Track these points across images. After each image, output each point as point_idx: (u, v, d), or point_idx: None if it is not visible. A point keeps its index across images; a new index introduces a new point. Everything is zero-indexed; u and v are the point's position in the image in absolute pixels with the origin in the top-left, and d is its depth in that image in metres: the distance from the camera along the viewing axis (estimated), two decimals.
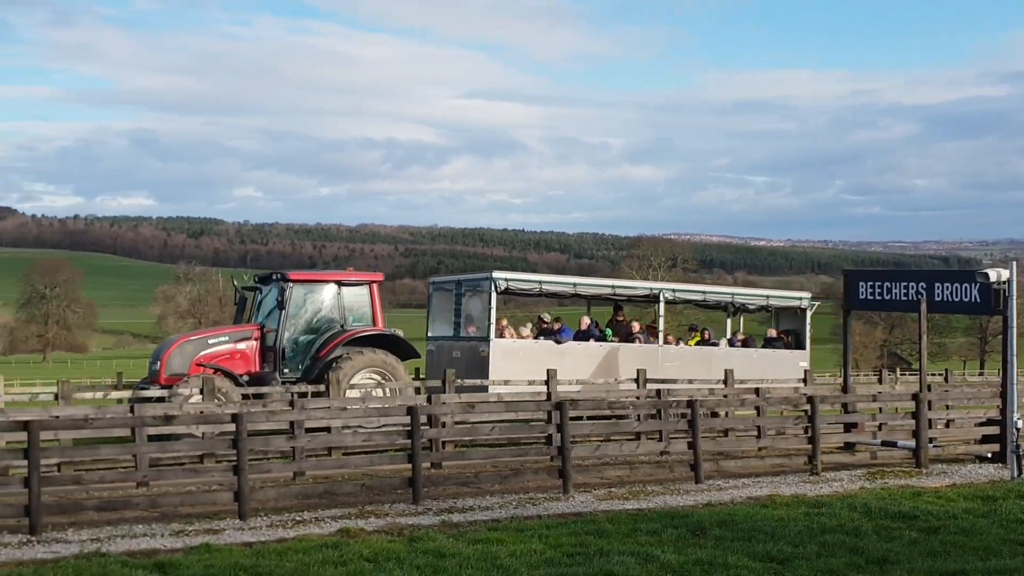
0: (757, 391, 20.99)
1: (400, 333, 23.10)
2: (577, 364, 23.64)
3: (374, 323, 22.58)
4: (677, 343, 26.55)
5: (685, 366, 24.98)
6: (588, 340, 24.82)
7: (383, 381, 21.65)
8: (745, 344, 27.04)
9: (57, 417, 15.96)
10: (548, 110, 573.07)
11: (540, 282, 25.40)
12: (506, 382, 22.11)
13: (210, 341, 21.48)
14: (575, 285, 26.23)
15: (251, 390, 20.11)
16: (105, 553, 11.14)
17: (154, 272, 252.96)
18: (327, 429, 17.83)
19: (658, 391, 21.76)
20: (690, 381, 23.33)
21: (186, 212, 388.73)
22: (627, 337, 25.37)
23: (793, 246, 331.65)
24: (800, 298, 28.49)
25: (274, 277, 22.57)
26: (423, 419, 15.82)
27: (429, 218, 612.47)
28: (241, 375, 21.12)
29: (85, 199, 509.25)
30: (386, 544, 11.65)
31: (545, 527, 12.74)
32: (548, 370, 21.23)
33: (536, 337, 24.47)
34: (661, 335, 25.66)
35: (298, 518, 13.47)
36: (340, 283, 22.42)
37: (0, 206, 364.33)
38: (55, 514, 12.73)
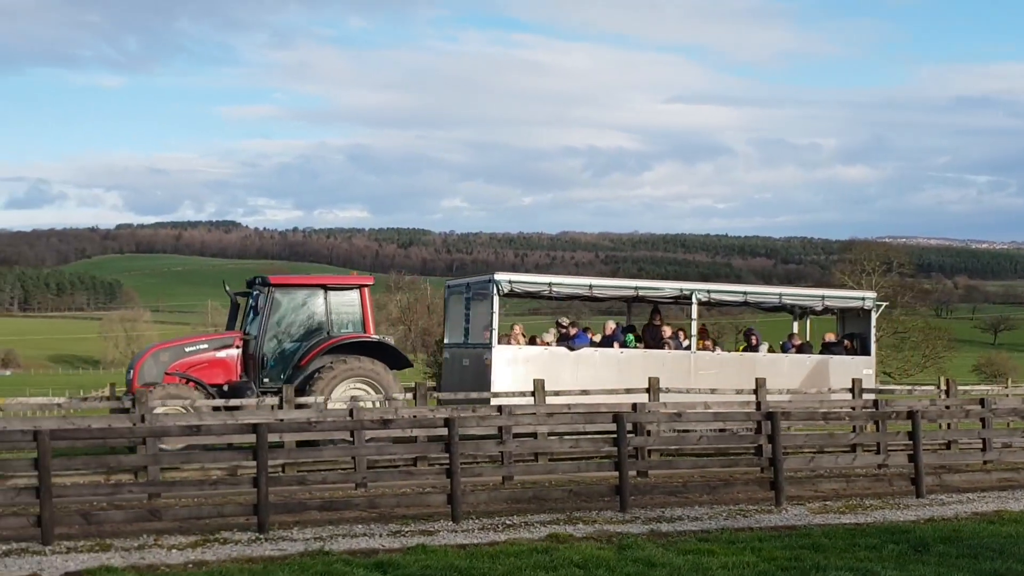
0: (982, 402, 19.83)
1: (390, 340, 21.86)
2: (595, 373, 21.64)
3: (365, 330, 21.14)
4: (715, 349, 24.30)
5: (723, 375, 22.55)
6: (612, 346, 22.80)
7: (369, 392, 20.23)
8: (800, 350, 24.31)
9: (281, 420, 16.77)
10: (753, 112, 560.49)
11: (550, 284, 23.33)
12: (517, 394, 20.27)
13: (187, 349, 20.54)
14: (591, 287, 23.65)
15: (220, 402, 19.01)
16: (328, 552, 11.65)
17: None
18: (533, 435, 18.07)
19: (875, 401, 20.97)
20: (712, 391, 20.99)
21: (396, 223, 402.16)
22: (657, 343, 23.27)
23: (1019, 248, 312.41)
24: (864, 298, 25.51)
25: (256, 282, 21.57)
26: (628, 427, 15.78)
27: (630, 225, 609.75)
28: (220, 384, 20.13)
29: (304, 212, 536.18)
30: (596, 551, 11.69)
31: (757, 539, 12.48)
32: (757, 379, 20.73)
33: (557, 343, 22.64)
34: (694, 340, 23.31)
35: (508, 522, 13.69)
36: (326, 288, 21.20)
37: (226, 220, 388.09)
38: (281, 513, 13.39)
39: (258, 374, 20.56)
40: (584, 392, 20.15)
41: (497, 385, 21.15)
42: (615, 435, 15.11)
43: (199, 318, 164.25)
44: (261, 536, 12.62)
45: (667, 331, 23.67)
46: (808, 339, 25.21)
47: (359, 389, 20.23)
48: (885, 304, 26.38)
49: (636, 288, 24.17)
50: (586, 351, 22.34)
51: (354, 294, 21.48)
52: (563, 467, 16.41)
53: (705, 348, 23.73)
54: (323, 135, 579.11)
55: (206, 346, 20.82)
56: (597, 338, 23.11)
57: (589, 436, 18.30)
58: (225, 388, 20.21)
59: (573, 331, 22.91)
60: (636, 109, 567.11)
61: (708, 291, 24.16)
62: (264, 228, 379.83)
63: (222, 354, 20.64)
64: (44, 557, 11.44)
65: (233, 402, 18.66)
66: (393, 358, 21.10)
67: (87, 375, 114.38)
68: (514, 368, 21.54)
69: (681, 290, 23.91)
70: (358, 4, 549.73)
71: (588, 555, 11.39)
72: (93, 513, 12.98)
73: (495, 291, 21.99)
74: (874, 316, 25.02)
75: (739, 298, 25.58)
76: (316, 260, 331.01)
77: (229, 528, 13.00)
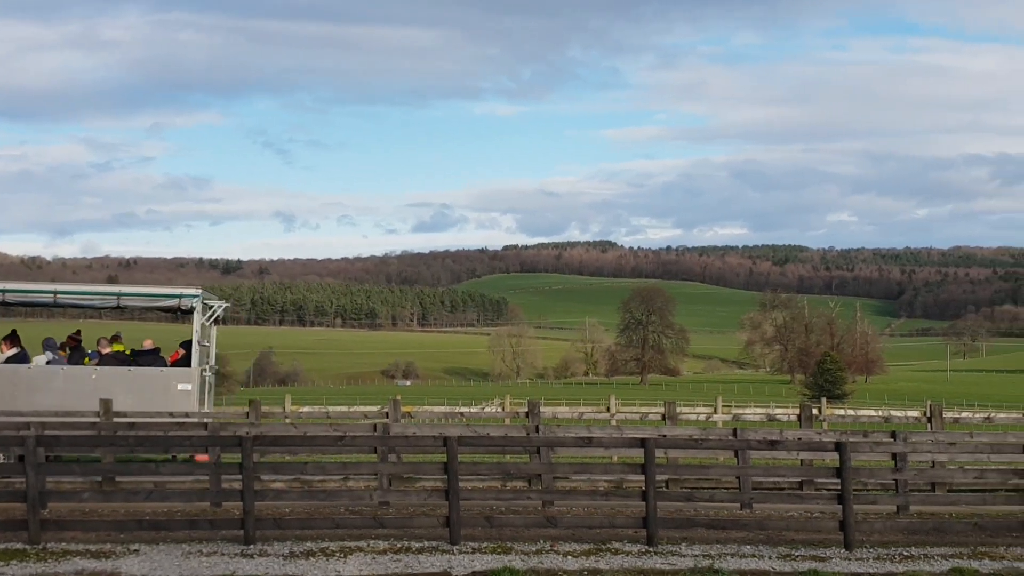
0: None
1: None
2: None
3: None
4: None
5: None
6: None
7: None
8: (109, 360, 19.41)
9: (665, 436, 16.98)
10: None
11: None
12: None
13: None
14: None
15: None
16: (718, 570, 11.65)
17: (740, 299, 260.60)
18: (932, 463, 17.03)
19: None
20: None
21: (774, 240, 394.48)
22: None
23: None
24: (179, 295, 20.44)
25: None
26: None
27: None
28: None
29: (683, 231, 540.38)
30: None
31: None
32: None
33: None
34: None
35: (905, 553, 13.00)
36: None
37: (601, 240, 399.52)
38: (669, 528, 13.55)
39: None
40: None
41: None
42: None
43: (578, 334, 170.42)
44: (651, 549, 12.85)
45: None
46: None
47: None
48: (224, 304, 21.02)
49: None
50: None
51: None
52: (965, 498, 15.29)
53: None
54: (706, 153, 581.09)
55: None
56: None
57: (997, 468, 16.95)
58: None
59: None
60: None
61: (3, 291, 19.98)
62: (639, 247, 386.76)
63: None
64: (452, 556, 12.33)
65: None
66: None
67: (478, 386, 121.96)
68: None
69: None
70: (747, 20, 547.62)
71: None
72: (495, 517, 13.79)
73: None
74: (200, 317, 20.01)
75: (49, 299, 20.67)
76: (689, 278, 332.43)
77: (619, 539, 13.35)
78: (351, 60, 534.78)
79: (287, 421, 19.29)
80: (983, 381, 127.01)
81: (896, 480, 15.39)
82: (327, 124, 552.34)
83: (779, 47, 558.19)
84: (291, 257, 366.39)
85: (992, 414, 24.95)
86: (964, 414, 24.50)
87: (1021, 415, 22.65)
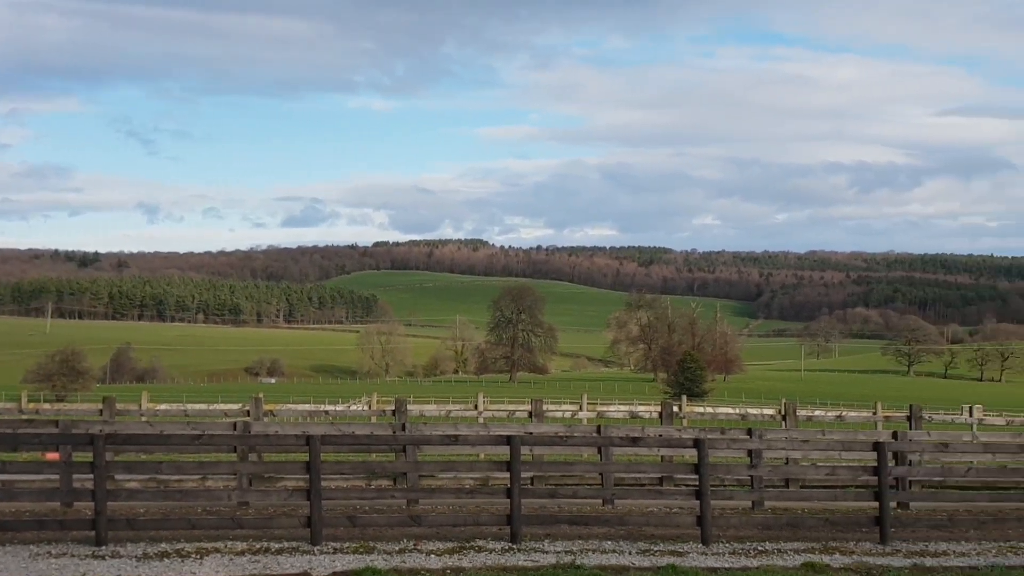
0: None
1: None
2: None
3: None
4: None
5: None
6: None
7: None
8: None
9: (531, 433, 17.08)
10: None
11: None
12: None
13: None
14: None
15: None
16: (580, 565, 11.77)
17: (608, 299, 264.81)
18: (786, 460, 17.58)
19: None
20: None
21: (641, 242, 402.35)
22: None
23: None
24: None
25: None
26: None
27: (887, 244, 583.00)
28: None
29: (555, 231, 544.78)
30: None
31: None
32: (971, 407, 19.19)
33: None
34: None
35: (760, 548, 13.37)
36: None
37: (473, 238, 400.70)
38: (533, 525, 13.62)
39: None
40: None
41: None
42: (875, 464, 14.46)
43: (449, 332, 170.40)
44: (514, 546, 12.89)
45: None
46: None
47: None
48: None
49: None
50: None
51: None
52: (816, 495, 15.82)
53: None
54: (579, 154, 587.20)
55: None
56: None
57: (848, 465, 17.60)
58: None
59: None
60: (909, 123, 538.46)
61: None
62: (510, 246, 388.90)
63: None
64: (313, 556, 12.13)
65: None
66: None
67: (345, 384, 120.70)
68: None
69: None
70: (619, 24, 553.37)
71: None
72: (358, 516, 13.63)
73: None
74: None
75: None
76: (559, 278, 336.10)
77: (484, 537, 13.35)
78: (221, 49, 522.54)
79: (143, 419, 18.70)
80: (836, 380, 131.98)
81: (752, 476, 15.81)
82: (195, 114, 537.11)
83: (650, 52, 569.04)
84: (152, 250, 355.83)
85: (844, 412, 25.95)
86: (817, 412, 25.43)
87: (871, 414, 23.59)
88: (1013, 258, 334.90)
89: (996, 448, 17.58)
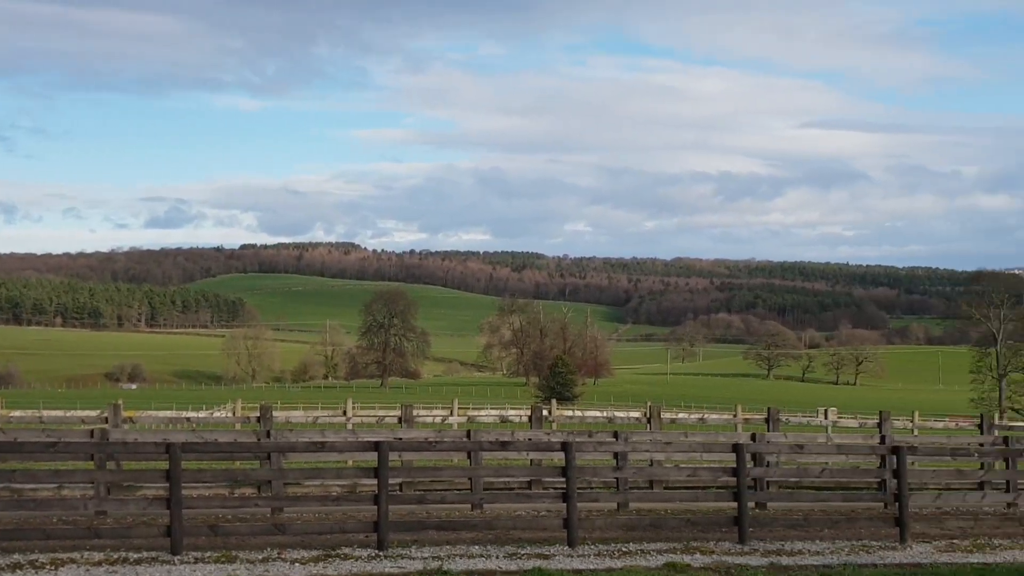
0: None
1: None
2: None
3: None
4: None
5: None
6: None
7: None
8: None
9: (400, 439, 17.02)
10: (893, 138, 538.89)
11: None
12: None
13: None
14: None
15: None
16: (447, 571, 11.78)
17: (481, 304, 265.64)
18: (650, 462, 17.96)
19: (1005, 438, 20.22)
20: None
21: (514, 247, 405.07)
22: None
23: None
24: None
25: None
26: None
27: (750, 252, 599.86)
28: None
29: (429, 235, 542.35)
30: None
31: None
32: (880, 412, 20.21)
33: None
34: None
35: (624, 549, 13.62)
36: None
37: (345, 241, 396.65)
38: (401, 531, 13.56)
39: None
40: None
41: None
42: (734, 466, 14.90)
43: (318, 336, 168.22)
44: (381, 553, 12.82)
45: None
46: None
47: None
48: None
49: None
50: None
51: None
52: (679, 495, 16.21)
53: None
54: (453, 158, 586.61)
55: None
56: None
57: (708, 467, 18.08)
58: None
59: None
60: (772, 135, 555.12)
61: None
62: (383, 250, 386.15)
63: None
64: (173, 566, 11.83)
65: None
66: None
67: (210, 390, 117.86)
68: None
69: None
70: (492, 30, 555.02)
71: None
72: (220, 525, 13.35)
73: None
74: None
75: None
76: (432, 282, 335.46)
77: (350, 544, 13.24)
78: (83, 45, 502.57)
79: None
80: (699, 383, 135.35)
81: (617, 478, 16.11)
82: (54, 111, 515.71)
83: (523, 59, 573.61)
84: (8, 251, 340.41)
85: (706, 415, 26.66)
86: (680, 415, 26.08)
87: (732, 416, 24.29)
88: (868, 266, 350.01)
89: (849, 449, 18.35)
